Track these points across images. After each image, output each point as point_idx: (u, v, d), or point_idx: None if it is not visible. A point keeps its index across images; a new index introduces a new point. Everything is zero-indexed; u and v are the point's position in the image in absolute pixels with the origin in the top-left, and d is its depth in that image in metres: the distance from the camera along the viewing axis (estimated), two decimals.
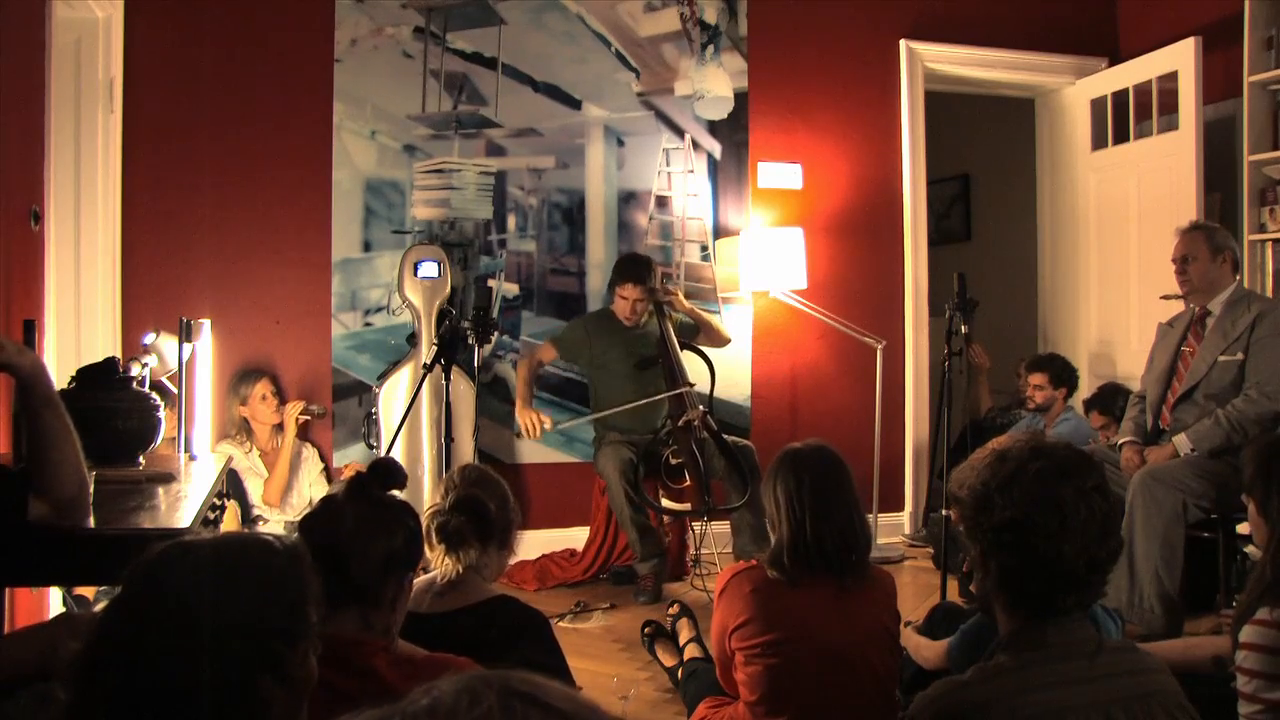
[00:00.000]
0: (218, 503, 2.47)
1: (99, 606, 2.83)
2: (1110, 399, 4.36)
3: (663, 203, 4.73)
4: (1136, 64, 4.78)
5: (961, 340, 3.75)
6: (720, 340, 4.42)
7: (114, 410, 2.26)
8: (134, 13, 3.94)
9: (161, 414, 2.37)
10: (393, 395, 4.11)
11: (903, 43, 4.97)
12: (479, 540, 1.98)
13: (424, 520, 2.00)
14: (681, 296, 4.36)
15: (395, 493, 1.61)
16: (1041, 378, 4.50)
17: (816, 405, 4.86)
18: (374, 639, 1.49)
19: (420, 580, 1.97)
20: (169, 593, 1.04)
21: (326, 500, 1.59)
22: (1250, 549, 3.31)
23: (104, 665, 1.01)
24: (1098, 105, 5.04)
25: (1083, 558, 1.35)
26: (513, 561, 2.64)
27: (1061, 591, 1.36)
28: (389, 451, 3.81)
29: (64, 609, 2.83)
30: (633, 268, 4.14)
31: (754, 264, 4.59)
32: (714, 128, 4.78)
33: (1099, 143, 5.05)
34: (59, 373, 3.00)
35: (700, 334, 4.36)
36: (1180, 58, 4.47)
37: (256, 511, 3.87)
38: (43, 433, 1.68)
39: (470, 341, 3.78)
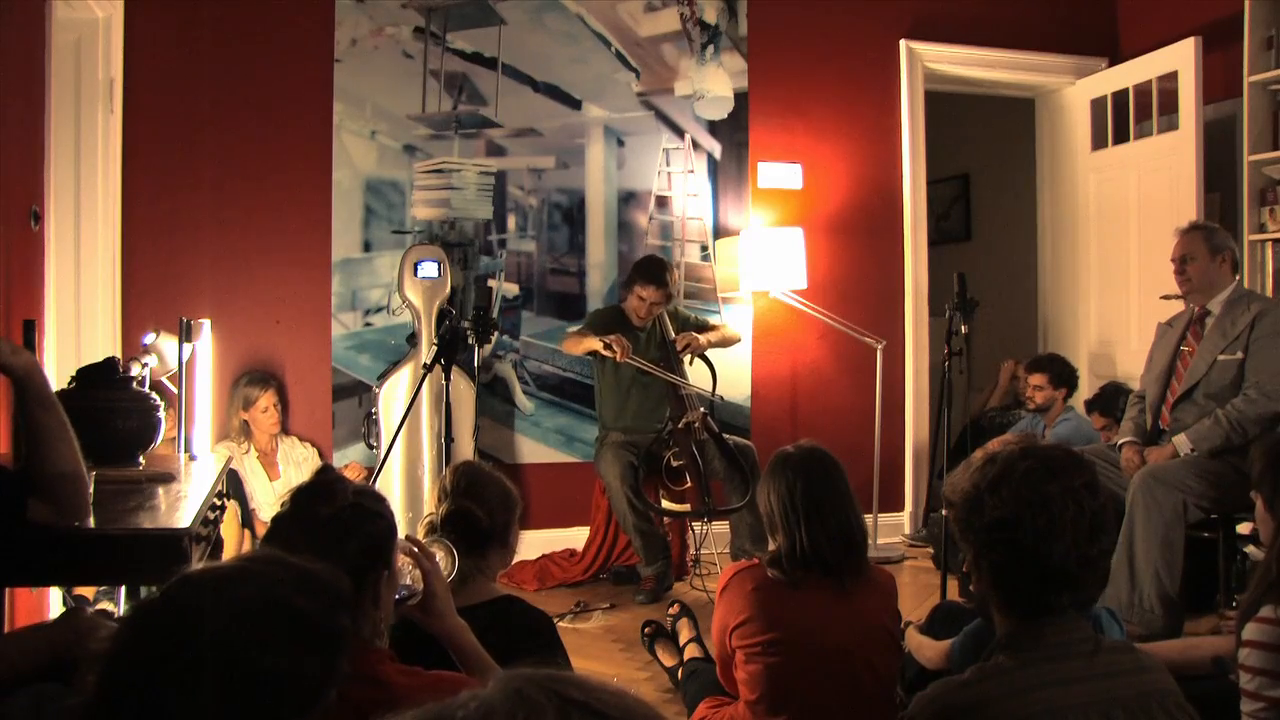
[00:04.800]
0: (218, 503, 2.47)
1: (98, 606, 2.83)
2: (1111, 400, 4.35)
3: (663, 203, 4.73)
4: (1136, 64, 4.78)
5: (962, 340, 3.75)
6: (733, 343, 4.44)
7: (114, 410, 2.26)
8: (134, 13, 3.94)
9: (161, 414, 2.36)
10: (393, 395, 4.11)
11: (903, 43, 4.97)
12: (471, 553, 1.97)
13: (420, 531, 2.00)
14: (702, 340, 4.26)
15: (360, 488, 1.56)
16: (1041, 378, 4.50)
17: (816, 405, 4.86)
18: (375, 644, 1.49)
19: None
20: (192, 636, 0.95)
21: (273, 537, 1.50)
22: (1250, 549, 3.32)
23: (118, 705, 0.95)
24: (1098, 105, 5.04)
25: (1073, 555, 1.36)
26: (513, 561, 2.63)
27: (1054, 589, 1.37)
28: (389, 452, 3.81)
29: (64, 608, 2.83)
30: (655, 270, 4.12)
31: (754, 264, 4.59)
32: (714, 128, 4.78)
33: (1099, 143, 5.05)
34: (59, 373, 3.01)
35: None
36: (1180, 58, 4.47)
37: (254, 508, 3.87)
38: (39, 433, 1.66)
39: (470, 341, 3.78)
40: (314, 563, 1.10)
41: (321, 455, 4.20)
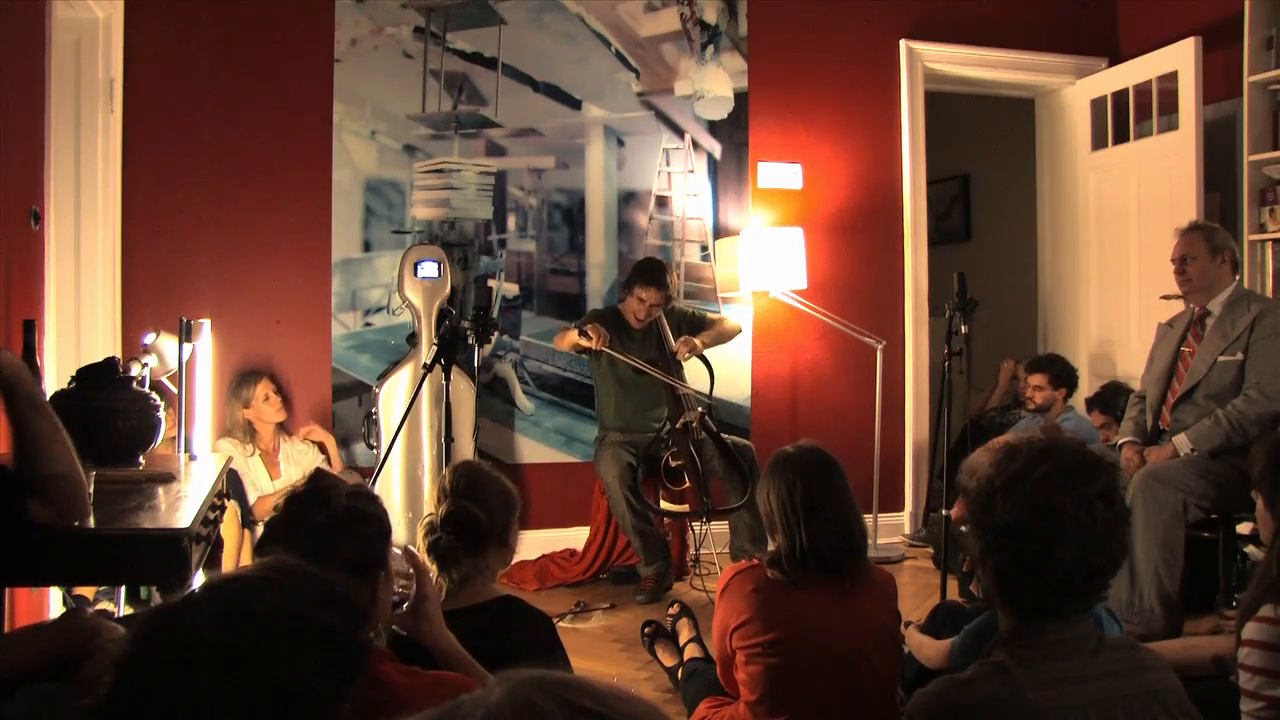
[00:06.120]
0: (218, 503, 2.47)
1: (98, 606, 2.83)
2: (1112, 398, 4.35)
3: (663, 203, 4.72)
4: (1136, 64, 4.78)
5: (962, 340, 3.75)
6: (732, 335, 4.43)
7: (114, 410, 2.26)
8: (134, 13, 3.94)
9: (161, 414, 2.36)
10: (393, 395, 4.11)
11: (903, 43, 4.97)
12: (471, 553, 1.96)
13: (419, 530, 2.00)
14: (697, 342, 4.19)
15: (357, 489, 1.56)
16: (1041, 378, 4.50)
17: (816, 405, 4.86)
18: (373, 644, 1.49)
19: None
20: (207, 644, 0.94)
21: (268, 541, 1.51)
22: (1250, 549, 3.32)
23: (130, 709, 0.93)
24: (1098, 105, 5.04)
25: (1080, 565, 1.35)
26: (513, 561, 2.63)
27: (1055, 596, 1.37)
28: (388, 452, 3.81)
29: (64, 608, 2.83)
30: (654, 272, 4.11)
31: (754, 264, 4.59)
32: (714, 128, 4.78)
33: (1099, 143, 5.05)
34: (59, 373, 3.01)
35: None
36: (1180, 58, 4.47)
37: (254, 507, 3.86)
38: (31, 436, 1.64)
39: (470, 341, 3.77)
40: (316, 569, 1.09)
41: (323, 450, 4.18)
